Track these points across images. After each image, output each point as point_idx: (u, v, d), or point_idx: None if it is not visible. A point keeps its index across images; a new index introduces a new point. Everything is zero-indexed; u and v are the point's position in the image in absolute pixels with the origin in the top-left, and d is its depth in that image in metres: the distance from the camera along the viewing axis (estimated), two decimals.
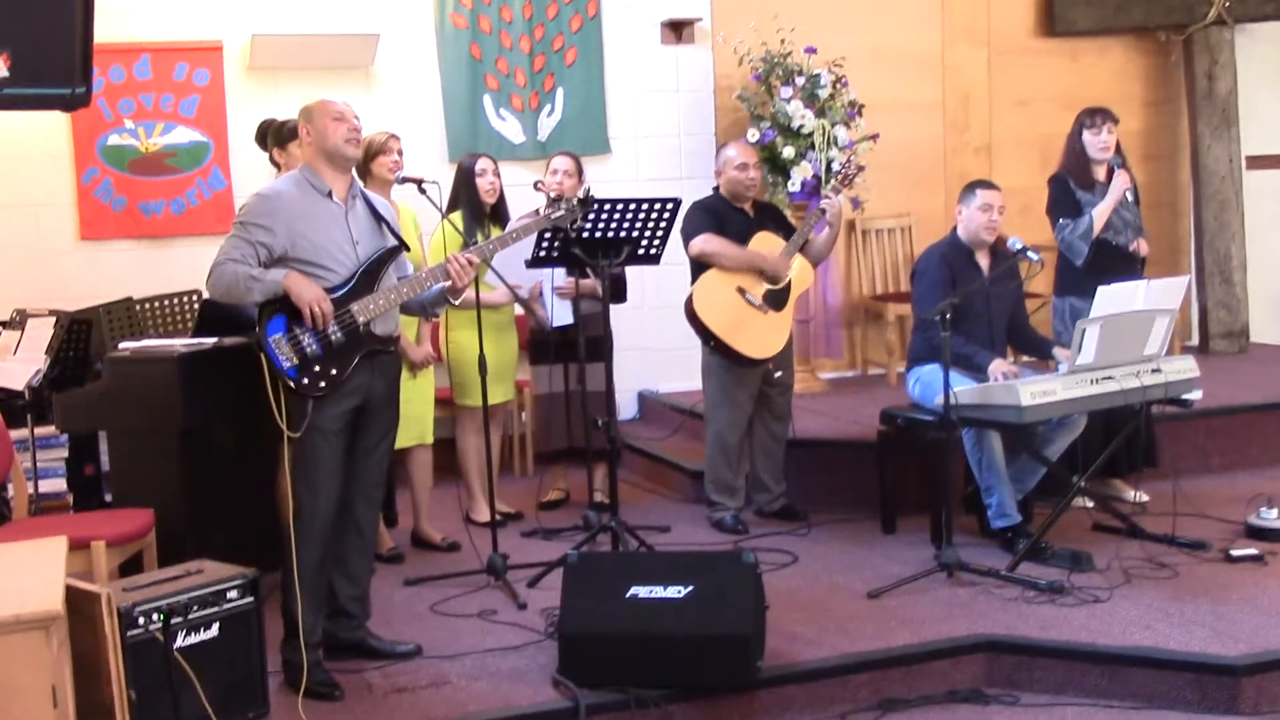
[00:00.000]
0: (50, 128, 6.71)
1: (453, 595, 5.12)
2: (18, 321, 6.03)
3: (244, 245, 4.14)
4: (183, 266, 6.65)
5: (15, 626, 2.80)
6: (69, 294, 6.58)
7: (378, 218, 4.40)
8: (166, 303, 6.41)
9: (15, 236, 6.81)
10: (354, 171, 4.46)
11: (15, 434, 5.89)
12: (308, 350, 4.11)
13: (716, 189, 6.00)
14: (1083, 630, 4.47)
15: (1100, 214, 5.84)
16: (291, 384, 4.08)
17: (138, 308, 6.36)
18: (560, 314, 6.00)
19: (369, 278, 4.26)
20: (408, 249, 4.49)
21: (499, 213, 6.05)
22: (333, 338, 4.15)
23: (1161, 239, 8.63)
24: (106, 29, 6.70)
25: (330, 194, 4.28)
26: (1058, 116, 8.18)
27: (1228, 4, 8.43)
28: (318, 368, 4.13)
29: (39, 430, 5.82)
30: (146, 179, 6.98)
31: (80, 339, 5.95)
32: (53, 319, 5.84)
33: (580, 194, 4.92)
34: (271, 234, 4.15)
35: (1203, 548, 5.27)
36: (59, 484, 6.25)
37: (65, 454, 6.24)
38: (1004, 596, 4.83)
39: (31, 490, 5.65)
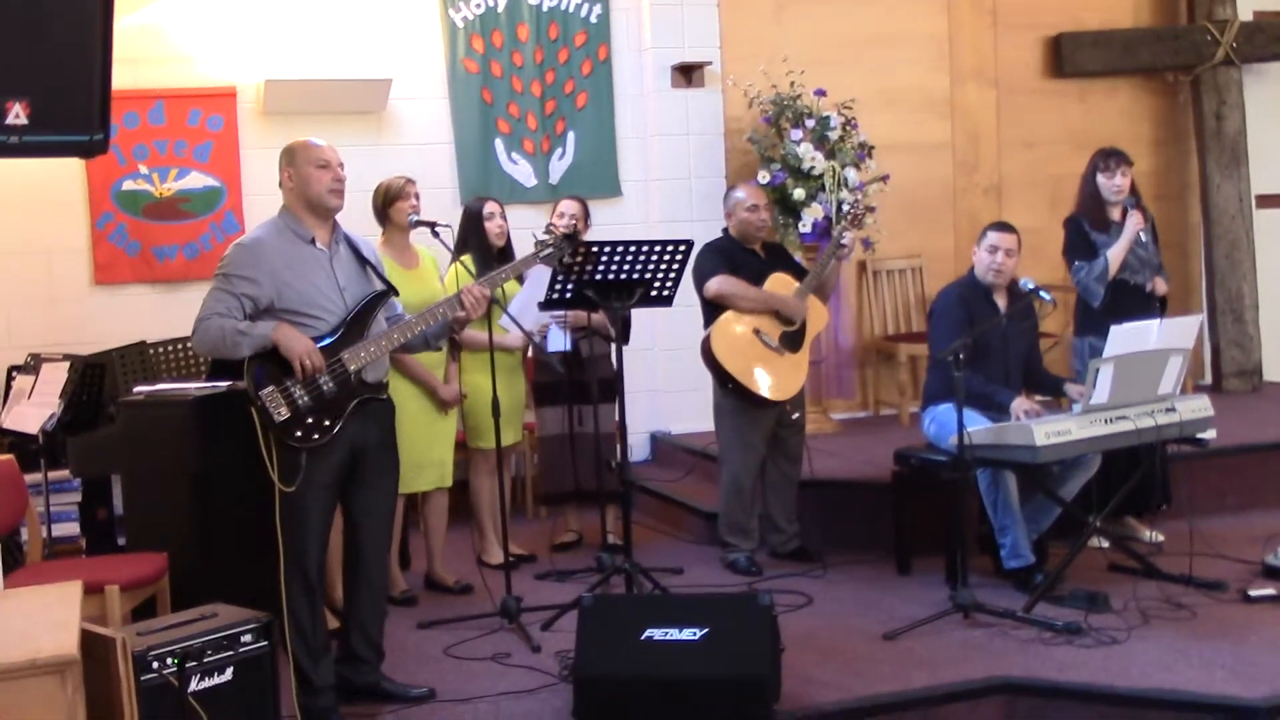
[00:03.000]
0: (65, 173, 6.77)
1: (466, 638, 5.10)
2: (32, 365, 6.06)
3: (228, 298, 4.08)
4: (195, 311, 6.63)
5: (31, 671, 2.79)
6: (83, 338, 6.61)
7: (362, 262, 4.36)
8: (179, 347, 6.45)
9: (30, 281, 6.85)
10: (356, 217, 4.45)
11: (29, 478, 5.90)
12: (300, 402, 4.07)
13: (726, 230, 6.02)
14: (1101, 672, 4.43)
15: (1115, 256, 5.84)
16: (285, 437, 4.06)
17: (151, 351, 6.39)
18: (556, 341, 6.01)
19: (358, 324, 4.21)
20: (396, 293, 4.45)
21: (506, 255, 6.07)
22: (324, 388, 4.10)
23: (1173, 278, 8.53)
24: (120, 76, 6.63)
25: (313, 240, 4.23)
26: (1066, 157, 8.27)
27: (1235, 44, 8.46)
28: (311, 419, 4.09)
29: (52, 474, 5.83)
30: (160, 224, 7.02)
31: (94, 383, 5.96)
32: (66, 363, 5.85)
33: (567, 232, 4.94)
34: (256, 285, 4.09)
35: (1220, 588, 5.23)
36: (72, 528, 6.26)
37: (78, 498, 6.26)
38: (1021, 638, 4.80)
39: (44, 534, 5.65)
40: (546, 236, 4.84)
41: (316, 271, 4.20)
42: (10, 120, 2.85)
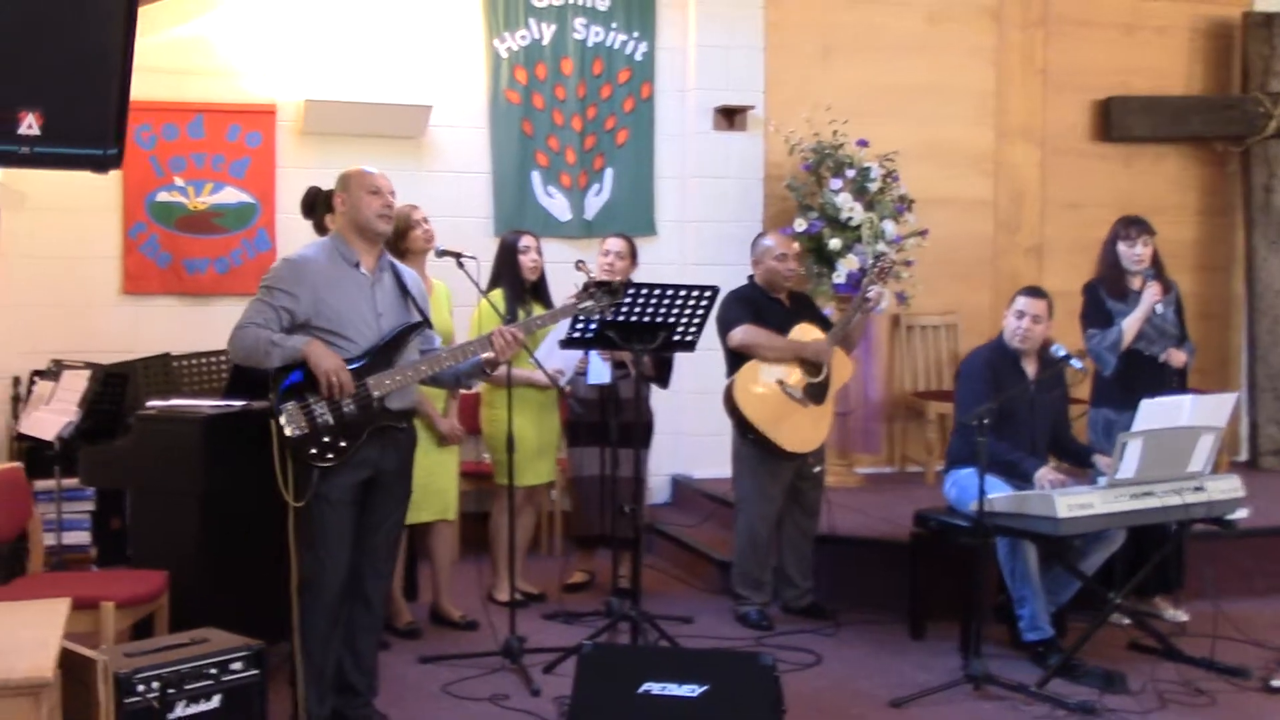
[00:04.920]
0: (100, 181, 6.60)
1: (467, 676, 5.02)
2: (54, 371, 6.05)
3: (267, 310, 4.13)
4: (222, 326, 6.46)
5: (3, 692, 2.73)
6: (108, 347, 6.60)
7: (405, 292, 4.38)
8: (203, 361, 6.42)
9: (59, 287, 6.85)
10: (383, 245, 4.43)
11: (42, 484, 5.90)
12: (319, 420, 4.08)
13: (751, 278, 5.94)
14: None
15: (1130, 326, 5.73)
16: (300, 453, 4.04)
17: (174, 365, 6.36)
18: (597, 373, 5.94)
19: (388, 352, 4.23)
20: (430, 325, 4.45)
21: (539, 290, 6.02)
22: (345, 410, 4.11)
23: (1211, 352, 8.47)
24: (162, 88, 6.79)
25: (358, 264, 4.27)
26: (1110, 221, 8.05)
27: None
28: (327, 438, 4.09)
29: (66, 482, 5.80)
30: (193, 237, 7.02)
31: (115, 392, 5.94)
32: (88, 371, 5.84)
33: (612, 286, 4.84)
34: (295, 300, 4.14)
35: (1243, 675, 5.07)
36: (84, 537, 6.23)
37: (91, 506, 6.23)
38: (1031, 714, 4.67)
39: (55, 542, 5.63)
40: (591, 290, 4.75)
41: (356, 295, 4.24)
42: (22, 130, 2.82)
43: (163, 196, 6.96)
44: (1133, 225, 5.83)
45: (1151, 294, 5.71)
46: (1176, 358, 5.81)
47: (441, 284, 5.57)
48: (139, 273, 6.96)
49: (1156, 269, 5.84)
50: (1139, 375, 5.69)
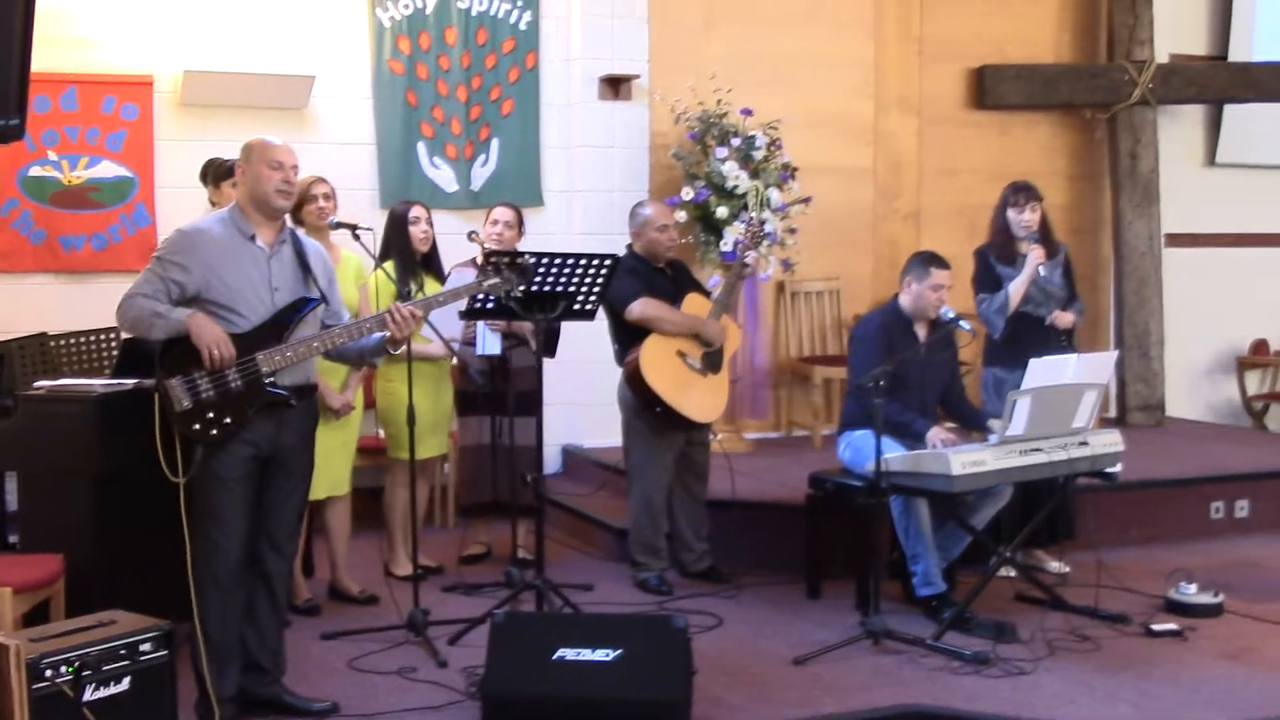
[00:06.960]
0: None
1: (371, 651, 5.00)
2: None
3: (156, 281, 4.07)
4: (102, 304, 6.31)
5: None
6: None
7: (305, 268, 4.30)
8: (83, 340, 6.25)
9: None
10: (287, 219, 4.37)
11: None
12: (204, 395, 4.01)
13: (631, 248, 5.97)
14: (1008, 703, 4.45)
15: (1015, 289, 5.89)
16: (184, 429, 3.99)
17: (52, 344, 6.18)
18: (489, 344, 5.94)
19: (278, 327, 4.15)
20: (326, 301, 4.37)
21: (431, 261, 5.99)
22: (232, 385, 4.05)
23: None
24: (33, 58, 6.55)
25: (254, 238, 4.20)
26: (985, 187, 8.29)
27: (1151, 85, 8.64)
28: (211, 414, 4.03)
29: None
30: (68, 212, 6.80)
31: None
32: None
33: (520, 263, 4.79)
34: (186, 272, 4.07)
35: (1124, 621, 5.29)
36: None
37: None
38: (929, 666, 4.82)
39: None
40: (500, 268, 4.67)
41: (250, 269, 4.17)
42: None
43: (35, 171, 6.73)
44: (1021, 191, 5.98)
45: (1034, 257, 5.88)
46: (1063, 319, 5.99)
47: (353, 256, 5.51)
48: (11, 250, 6.73)
49: (1044, 233, 6.01)
50: (1026, 336, 5.85)
